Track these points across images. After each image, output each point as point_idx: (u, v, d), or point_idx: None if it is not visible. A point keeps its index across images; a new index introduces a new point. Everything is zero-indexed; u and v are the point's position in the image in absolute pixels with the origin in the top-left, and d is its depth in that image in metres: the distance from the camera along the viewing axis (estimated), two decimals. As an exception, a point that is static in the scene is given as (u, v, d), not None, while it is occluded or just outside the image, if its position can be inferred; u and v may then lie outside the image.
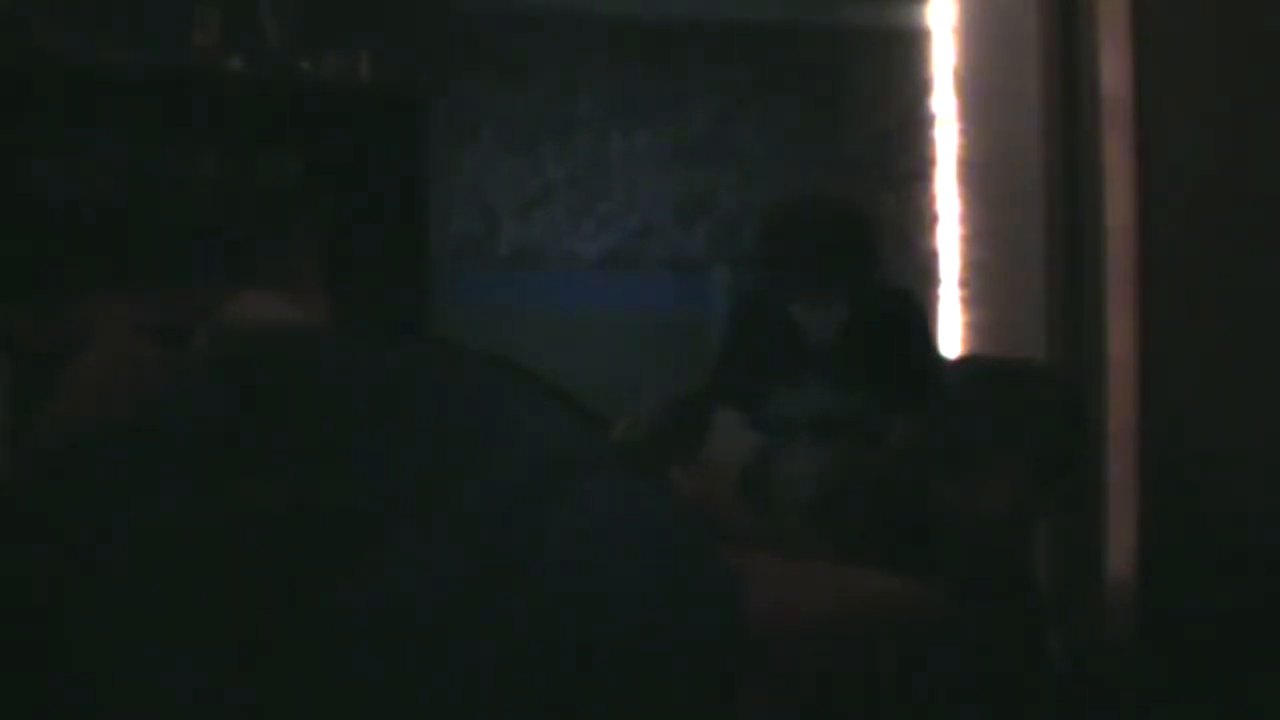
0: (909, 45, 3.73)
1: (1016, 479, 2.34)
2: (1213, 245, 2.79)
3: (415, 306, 3.09)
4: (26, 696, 1.26)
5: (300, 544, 1.35)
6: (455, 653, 1.29)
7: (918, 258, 3.71)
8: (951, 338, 3.64)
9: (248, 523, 1.36)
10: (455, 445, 1.52)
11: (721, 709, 1.37)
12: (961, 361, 3.27)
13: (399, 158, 3.10)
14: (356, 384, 1.61)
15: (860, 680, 1.54)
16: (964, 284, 3.66)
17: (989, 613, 2.04)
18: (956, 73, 3.69)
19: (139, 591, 1.30)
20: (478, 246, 3.53)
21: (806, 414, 2.67)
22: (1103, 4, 3.05)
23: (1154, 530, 2.93)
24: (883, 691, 1.56)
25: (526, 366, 1.79)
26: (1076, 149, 3.15)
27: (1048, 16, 3.22)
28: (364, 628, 1.29)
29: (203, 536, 1.35)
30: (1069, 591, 3.13)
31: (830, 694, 1.51)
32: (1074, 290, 3.17)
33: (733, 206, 3.64)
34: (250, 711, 1.25)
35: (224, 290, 2.03)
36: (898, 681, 1.57)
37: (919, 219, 3.73)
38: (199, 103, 2.88)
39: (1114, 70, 3.02)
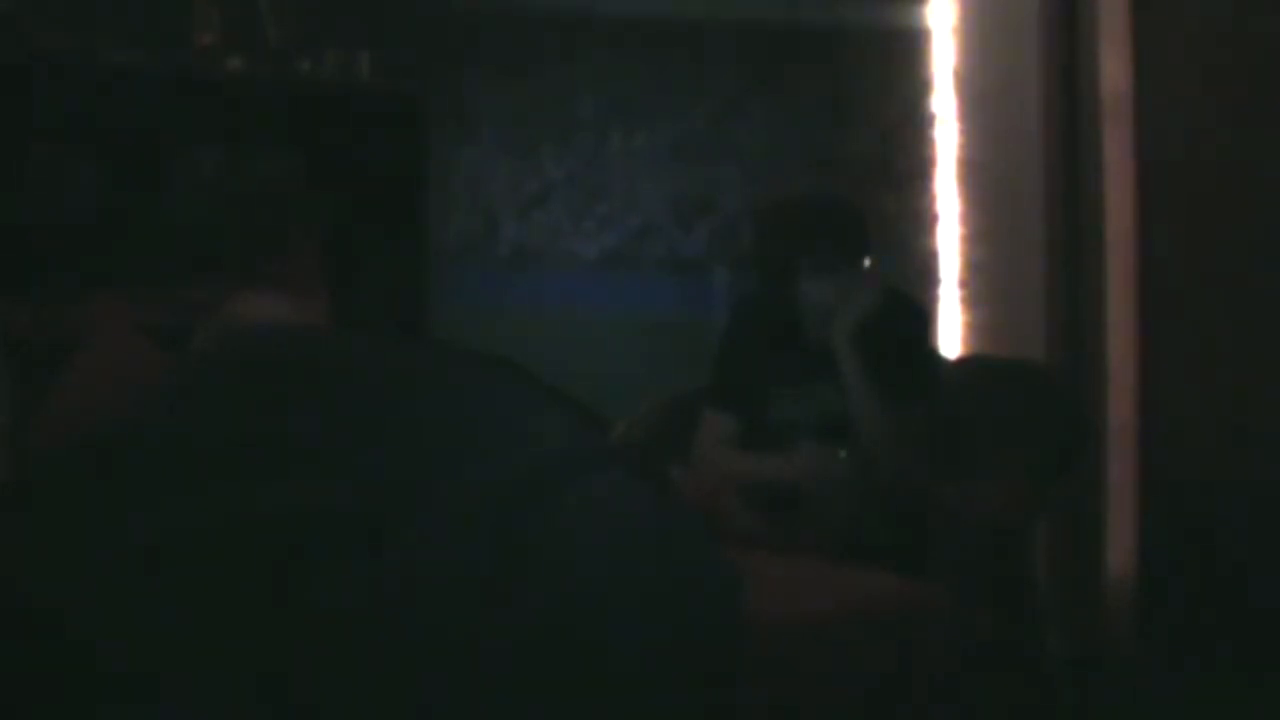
0: (909, 45, 3.73)
1: (1016, 479, 2.34)
2: (1213, 246, 2.79)
3: (415, 306, 3.08)
4: (27, 693, 1.26)
5: (300, 543, 1.35)
6: (456, 650, 1.29)
7: (918, 258, 3.70)
8: (951, 338, 3.64)
9: (247, 522, 1.36)
10: (455, 445, 1.52)
11: (721, 706, 1.37)
12: (961, 361, 3.27)
13: (399, 158, 3.09)
14: (356, 384, 1.61)
15: (860, 679, 1.54)
16: (964, 284, 3.66)
17: (989, 613, 2.04)
18: (956, 73, 3.69)
19: (139, 590, 1.30)
20: (478, 246, 3.53)
21: (806, 415, 2.67)
22: (1103, 4, 3.05)
23: (1154, 530, 2.93)
24: (882, 691, 1.56)
25: (526, 366, 1.79)
26: (1076, 149, 3.15)
27: (1048, 16, 3.22)
28: (364, 626, 1.29)
29: (202, 536, 1.35)
30: (1069, 591, 3.13)
31: (830, 693, 1.51)
32: (1074, 290, 3.16)
33: (733, 206, 3.64)
34: (251, 709, 1.25)
35: (224, 290, 2.03)
36: (897, 681, 1.57)
37: (919, 219, 3.73)
38: (199, 103, 2.88)
39: (1114, 70, 3.02)
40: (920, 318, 2.83)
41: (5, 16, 2.81)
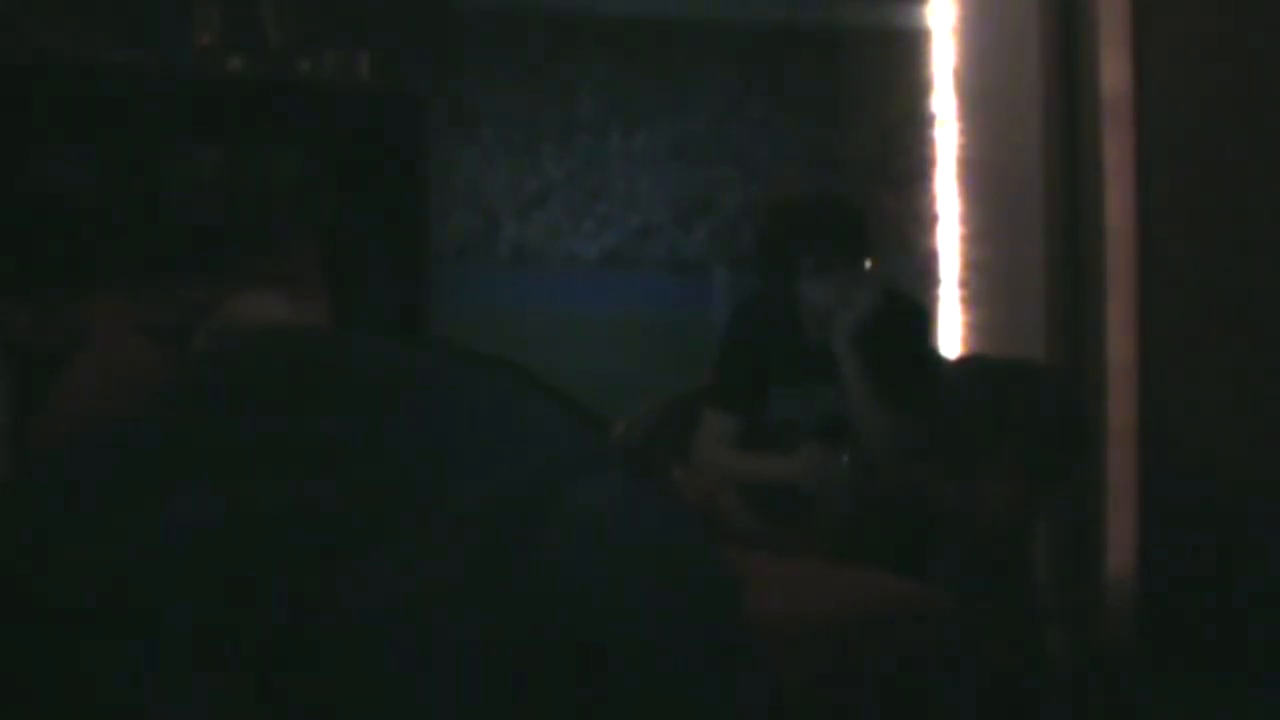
0: (909, 45, 3.73)
1: (1016, 479, 2.34)
2: (1213, 245, 2.79)
3: (415, 306, 3.08)
4: (26, 693, 1.26)
5: (300, 544, 1.35)
6: (456, 650, 1.29)
7: (918, 258, 3.70)
8: (951, 338, 3.64)
9: (247, 522, 1.36)
10: (456, 445, 1.53)
11: (721, 707, 1.37)
12: (961, 361, 3.27)
13: (399, 157, 3.09)
14: (356, 384, 1.61)
15: (860, 679, 1.54)
16: (964, 284, 3.66)
17: (989, 613, 2.04)
18: (956, 73, 3.69)
19: (139, 590, 1.30)
20: (478, 246, 3.53)
21: (806, 415, 2.67)
22: (1103, 4, 3.05)
23: (1154, 530, 2.93)
24: (882, 691, 1.56)
25: (526, 366, 1.79)
26: (1076, 149, 3.15)
27: (1048, 16, 3.22)
28: (364, 626, 1.29)
29: (202, 536, 1.35)
30: (1069, 591, 3.13)
31: (830, 693, 1.51)
32: (1074, 290, 3.16)
33: (733, 206, 3.64)
34: (251, 709, 1.25)
35: (224, 290, 2.03)
36: (897, 681, 1.57)
37: (919, 219, 3.73)
38: (199, 103, 2.87)
39: (1114, 70, 3.02)
40: (920, 318, 2.83)
41: (5, 16, 2.81)
